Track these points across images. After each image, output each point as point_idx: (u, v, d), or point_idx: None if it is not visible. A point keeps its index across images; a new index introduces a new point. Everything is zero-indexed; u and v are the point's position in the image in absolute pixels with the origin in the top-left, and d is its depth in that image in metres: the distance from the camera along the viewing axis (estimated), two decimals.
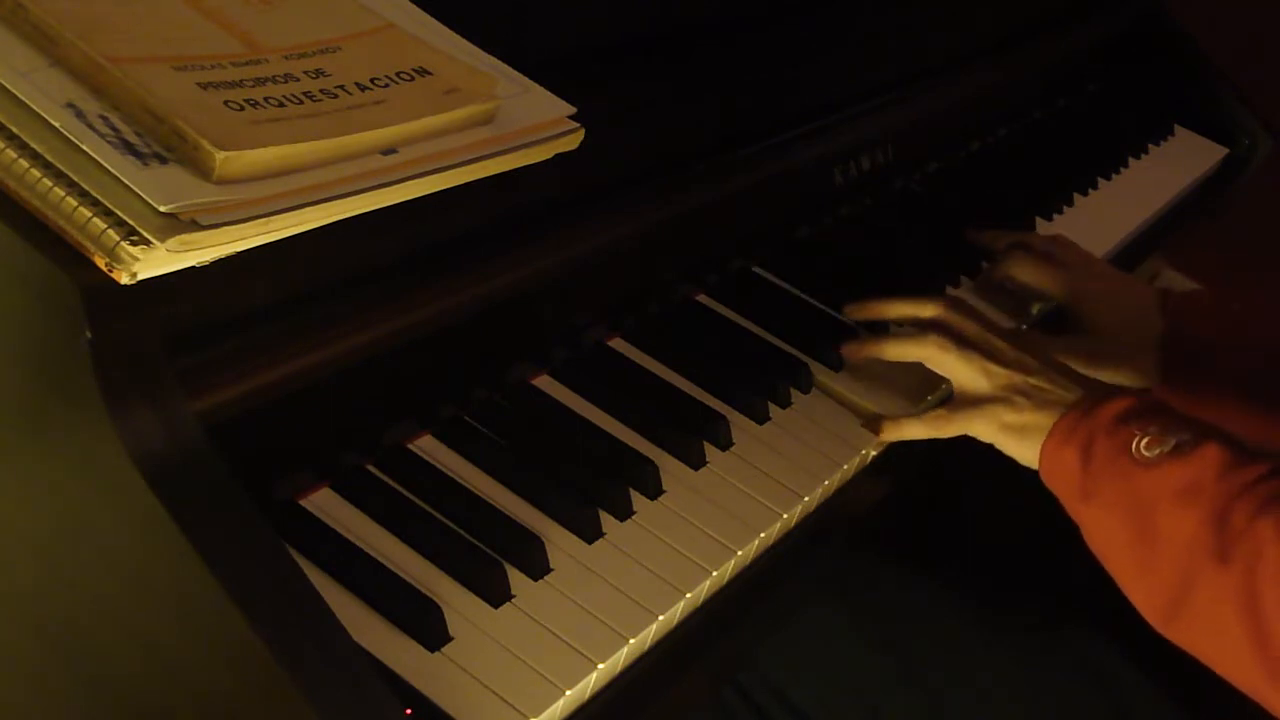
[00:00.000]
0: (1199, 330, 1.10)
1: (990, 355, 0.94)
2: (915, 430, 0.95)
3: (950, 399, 0.97)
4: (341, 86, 0.70)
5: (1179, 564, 0.80)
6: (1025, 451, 0.91)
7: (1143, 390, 0.90)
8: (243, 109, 0.65)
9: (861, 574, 1.04)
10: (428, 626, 0.71)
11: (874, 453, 0.96)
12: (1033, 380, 0.92)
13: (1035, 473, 0.90)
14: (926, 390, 1.00)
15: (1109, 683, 1.01)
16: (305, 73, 0.70)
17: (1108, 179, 1.48)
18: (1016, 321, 1.15)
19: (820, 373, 1.00)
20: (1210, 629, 0.80)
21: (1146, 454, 0.83)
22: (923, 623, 1.03)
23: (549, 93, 0.78)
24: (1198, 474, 0.81)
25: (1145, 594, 0.84)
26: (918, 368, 0.98)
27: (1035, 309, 1.17)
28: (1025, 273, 1.15)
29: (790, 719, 0.99)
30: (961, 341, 0.95)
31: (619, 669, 0.75)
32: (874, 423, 0.97)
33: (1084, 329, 1.12)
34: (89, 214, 0.59)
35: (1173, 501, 0.81)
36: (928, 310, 1.00)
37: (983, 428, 0.93)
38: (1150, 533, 0.82)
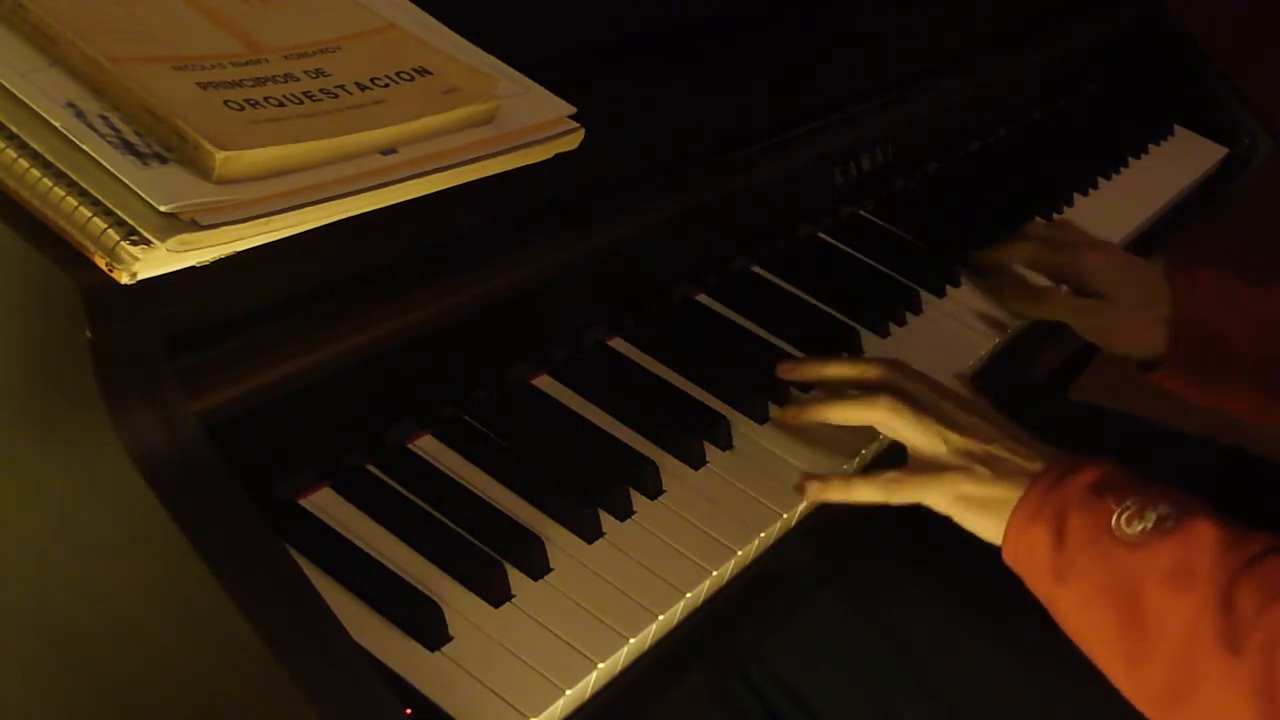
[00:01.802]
0: (1207, 311, 1.08)
1: (945, 421, 0.88)
2: (866, 493, 0.88)
3: (898, 460, 0.91)
4: (341, 86, 0.70)
5: (1178, 652, 0.76)
6: (987, 526, 0.85)
7: (1105, 462, 0.85)
8: (243, 109, 0.65)
9: (869, 572, 1.04)
10: (428, 626, 0.71)
11: (875, 451, 0.95)
12: (992, 449, 0.86)
13: None
14: (863, 443, 0.95)
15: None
16: (305, 72, 0.70)
17: (1108, 179, 1.48)
18: (1011, 324, 1.14)
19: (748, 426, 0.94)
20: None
21: (1129, 531, 0.78)
22: (930, 621, 1.03)
23: (549, 93, 0.78)
24: (1191, 553, 0.77)
25: (1137, 683, 0.79)
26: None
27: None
28: (1023, 257, 1.15)
29: (802, 717, 0.99)
30: (914, 405, 0.89)
31: (619, 669, 0.75)
32: (812, 480, 0.89)
33: (1093, 295, 1.12)
34: (89, 214, 0.59)
35: (1165, 584, 0.77)
36: (872, 372, 0.93)
37: (938, 498, 0.87)
38: (1140, 618, 0.77)
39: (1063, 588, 0.81)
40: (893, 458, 0.97)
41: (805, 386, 0.97)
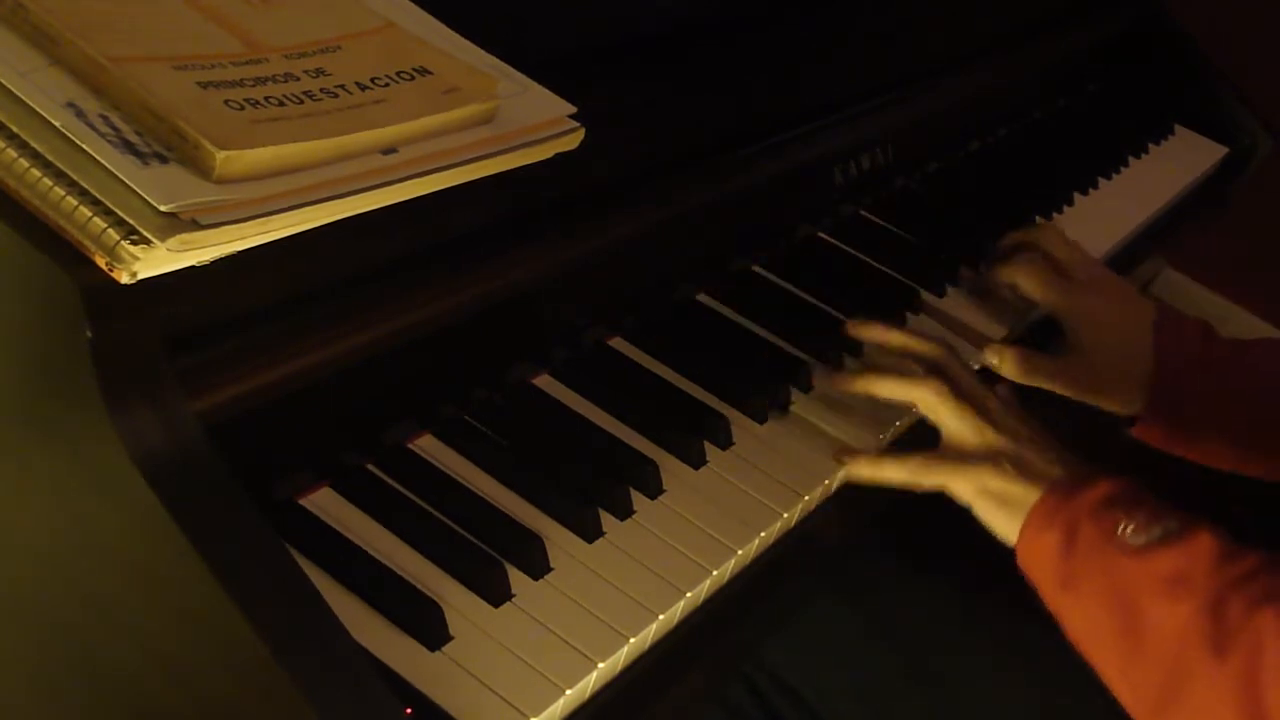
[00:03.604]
0: (1186, 366, 1.08)
1: (984, 413, 0.91)
2: (893, 473, 0.91)
3: (922, 444, 0.93)
4: (342, 86, 0.70)
5: (1169, 656, 0.78)
6: (1003, 523, 0.88)
7: (1124, 479, 0.87)
8: (243, 108, 0.65)
9: (869, 573, 1.04)
10: (428, 626, 0.71)
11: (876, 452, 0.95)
12: (1023, 449, 0.89)
13: None
14: (894, 416, 0.97)
15: None
16: (305, 72, 0.70)
17: (1108, 178, 1.48)
18: (1010, 325, 1.15)
19: (819, 381, 0.98)
20: None
21: (1133, 540, 0.81)
22: (929, 622, 1.03)
23: (549, 92, 0.78)
24: (1188, 563, 0.79)
25: (1131, 687, 0.81)
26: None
27: (1030, 315, 1.16)
28: (1029, 284, 1.13)
29: (799, 717, 0.99)
30: (958, 393, 0.92)
31: (619, 668, 0.75)
32: (845, 454, 0.92)
33: (1075, 346, 1.11)
34: (89, 213, 0.59)
35: (1162, 592, 0.79)
36: (925, 348, 0.97)
37: (964, 487, 0.89)
38: (1137, 623, 0.80)
39: (1067, 594, 0.83)
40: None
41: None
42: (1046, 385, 1.08)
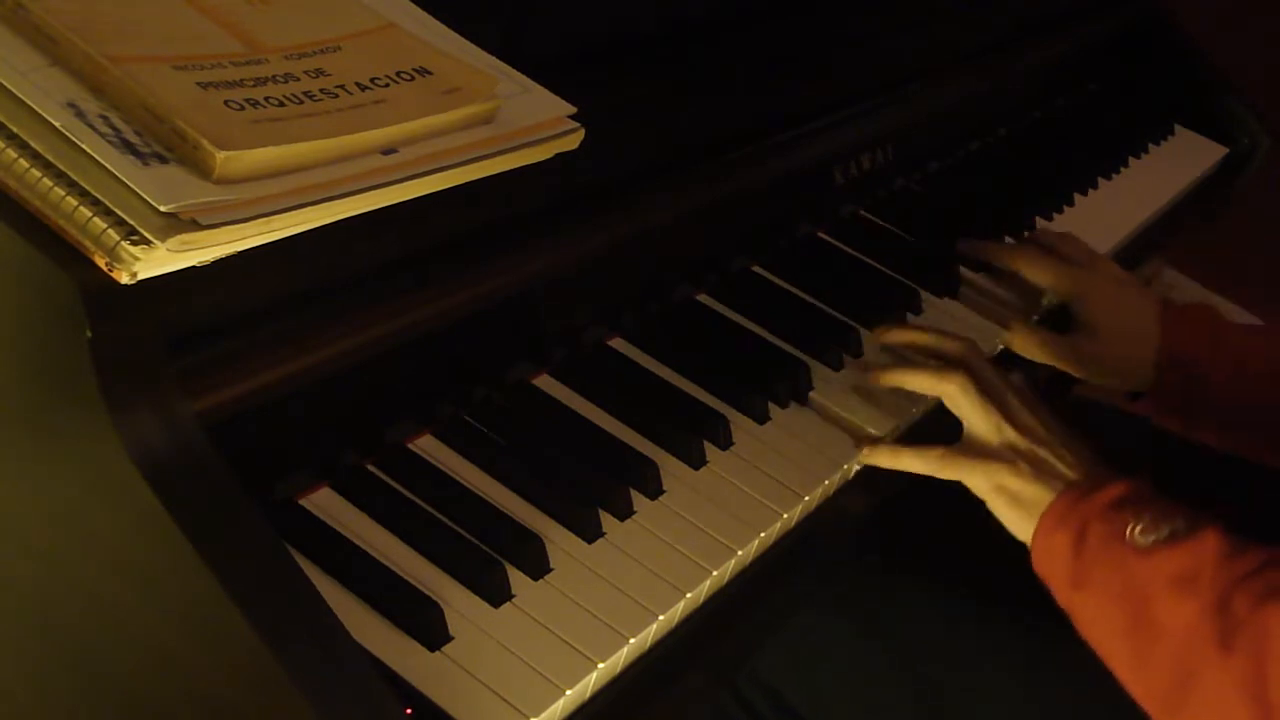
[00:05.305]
0: (1194, 347, 1.10)
1: (1006, 412, 0.93)
2: (911, 463, 0.93)
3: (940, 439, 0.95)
4: (342, 86, 0.70)
5: (1179, 653, 0.79)
6: (1016, 521, 0.89)
7: (1136, 481, 0.89)
8: (243, 109, 0.65)
9: (859, 577, 1.04)
10: (428, 626, 0.71)
11: (856, 469, 0.95)
12: (1040, 450, 0.90)
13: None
14: (893, 419, 0.98)
15: (1106, 684, 1.01)
16: (305, 72, 0.70)
17: (1108, 179, 1.48)
18: (1025, 312, 1.16)
19: (818, 381, 0.99)
20: (1215, 718, 0.78)
21: (1141, 540, 0.82)
22: (921, 625, 1.03)
23: (549, 92, 0.78)
24: (1195, 561, 0.80)
25: (1144, 684, 0.82)
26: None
27: (1045, 300, 1.17)
28: (1032, 269, 1.16)
29: None
30: (982, 389, 0.94)
31: (619, 669, 0.75)
32: (865, 443, 0.95)
33: (1083, 325, 1.13)
34: (89, 214, 0.59)
35: (1169, 589, 0.80)
36: (951, 346, 0.99)
37: (980, 482, 0.91)
38: (1147, 621, 0.81)
39: (1079, 594, 0.84)
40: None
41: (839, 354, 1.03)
42: (1056, 363, 1.10)
